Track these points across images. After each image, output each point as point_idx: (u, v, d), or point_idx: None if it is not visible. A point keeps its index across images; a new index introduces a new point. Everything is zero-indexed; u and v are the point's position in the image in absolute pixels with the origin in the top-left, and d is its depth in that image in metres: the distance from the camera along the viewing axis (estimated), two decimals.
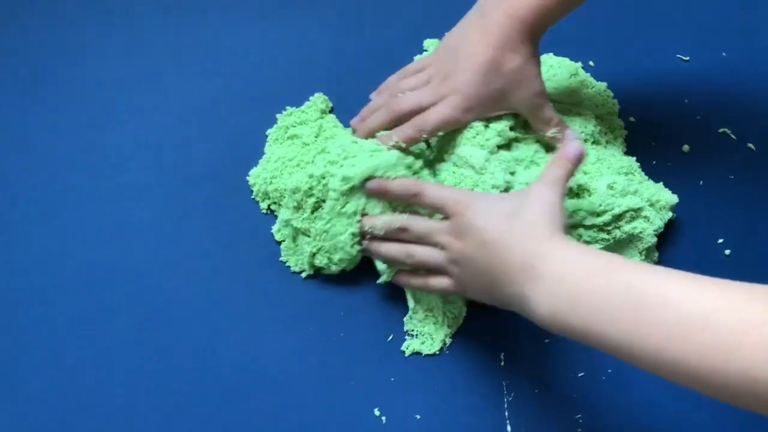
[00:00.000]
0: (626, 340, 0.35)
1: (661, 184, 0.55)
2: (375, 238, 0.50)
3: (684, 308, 0.34)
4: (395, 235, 0.49)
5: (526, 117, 0.53)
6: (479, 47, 0.50)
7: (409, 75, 0.56)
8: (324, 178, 0.50)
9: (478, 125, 0.52)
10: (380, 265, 0.51)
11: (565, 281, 0.39)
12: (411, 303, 0.51)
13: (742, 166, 0.58)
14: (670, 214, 0.53)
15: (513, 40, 0.50)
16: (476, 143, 0.52)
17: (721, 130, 0.59)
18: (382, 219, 0.50)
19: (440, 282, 0.48)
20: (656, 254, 0.54)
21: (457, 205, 0.46)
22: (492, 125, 0.52)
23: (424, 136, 0.51)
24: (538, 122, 0.53)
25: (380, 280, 0.51)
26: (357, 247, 0.51)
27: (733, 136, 0.59)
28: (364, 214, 0.50)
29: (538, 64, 0.52)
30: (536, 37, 0.51)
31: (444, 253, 0.47)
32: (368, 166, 0.49)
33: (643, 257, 0.53)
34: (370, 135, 0.53)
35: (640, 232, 0.52)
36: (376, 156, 0.50)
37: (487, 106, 0.52)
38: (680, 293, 0.34)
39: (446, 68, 0.52)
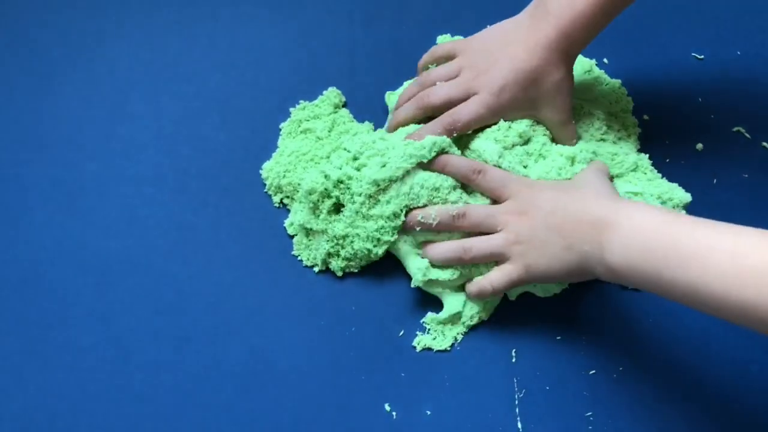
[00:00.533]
0: (694, 284, 0.39)
1: (675, 184, 0.55)
2: (424, 229, 0.50)
3: (752, 258, 0.37)
4: (449, 224, 0.50)
5: (550, 129, 0.54)
6: (523, 54, 0.51)
7: (439, 60, 0.56)
8: (342, 181, 0.50)
9: (502, 123, 0.52)
10: (416, 268, 0.50)
11: (639, 231, 0.42)
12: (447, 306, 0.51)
13: (756, 164, 0.57)
14: (683, 212, 0.53)
15: (558, 56, 0.51)
16: (491, 137, 0.52)
17: (735, 128, 0.59)
18: (435, 208, 0.50)
19: (504, 270, 0.48)
20: None
21: (520, 183, 0.50)
22: (514, 125, 0.53)
23: (454, 134, 0.52)
24: (561, 136, 0.54)
25: (414, 284, 0.50)
26: (382, 249, 0.51)
27: (747, 135, 0.59)
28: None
29: (572, 81, 0.53)
30: (575, 55, 0.53)
31: (503, 236, 0.48)
32: (399, 167, 0.50)
33: None
34: (400, 127, 0.54)
35: None
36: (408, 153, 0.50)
37: (516, 112, 0.53)
38: (748, 243, 0.38)
39: (481, 65, 0.52)
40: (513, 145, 0.53)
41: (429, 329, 0.51)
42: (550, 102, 0.52)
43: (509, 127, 0.52)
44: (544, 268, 0.47)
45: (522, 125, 0.53)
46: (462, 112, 0.52)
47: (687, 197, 0.53)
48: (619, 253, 0.43)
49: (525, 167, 0.52)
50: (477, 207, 0.50)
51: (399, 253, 0.52)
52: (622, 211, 0.44)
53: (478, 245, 0.49)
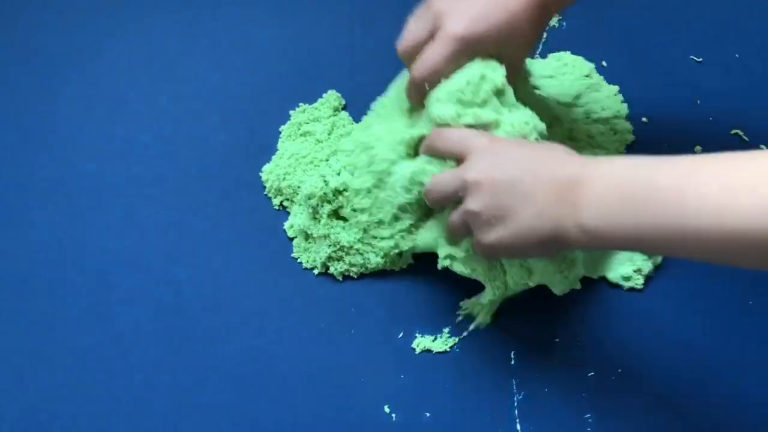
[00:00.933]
0: (679, 224, 0.36)
1: None
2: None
3: (741, 175, 0.35)
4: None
5: (508, 65, 0.48)
6: None
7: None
8: (340, 191, 0.51)
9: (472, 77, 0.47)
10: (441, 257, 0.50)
11: (614, 181, 0.39)
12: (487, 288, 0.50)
13: None
14: None
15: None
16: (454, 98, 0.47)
17: (733, 131, 0.59)
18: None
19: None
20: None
21: (480, 141, 0.44)
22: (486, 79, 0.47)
23: (426, 86, 0.47)
24: (516, 74, 0.49)
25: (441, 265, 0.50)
26: (394, 259, 0.52)
27: (745, 138, 0.59)
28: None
29: (541, 27, 0.49)
30: (549, 12, 0.48)
31: (461, 209, 0.44)
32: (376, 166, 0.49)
33: (648, 256, 0.53)
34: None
35: None
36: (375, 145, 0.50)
37: (481, 46, 0.47)
38: (732, 164, 0.36)
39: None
40: (484, 101, 0.47)
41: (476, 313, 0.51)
42: (513, 35, 0.46)
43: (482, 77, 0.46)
44: (510, 240, 0.42)
45: (497, 75, 0.47)
46: (425, 58, 0.46)
47: None
48: (596, 209, 0.39)
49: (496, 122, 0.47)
50: (439, 177, 0.46)
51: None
52: (594, 166, 0.40)
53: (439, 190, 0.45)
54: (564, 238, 0.41)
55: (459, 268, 0.49)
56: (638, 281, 0.52)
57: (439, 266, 0.49)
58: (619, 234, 0.39)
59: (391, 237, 0.51)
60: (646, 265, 0.53)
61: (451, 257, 0.49)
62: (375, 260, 0.52)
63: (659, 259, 0.53)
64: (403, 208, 0.50)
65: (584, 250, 0.49)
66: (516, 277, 0.48)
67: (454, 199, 0.45)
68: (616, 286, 0.53)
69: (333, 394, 0.49)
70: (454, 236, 0.48)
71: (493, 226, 0.42)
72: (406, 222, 0.51)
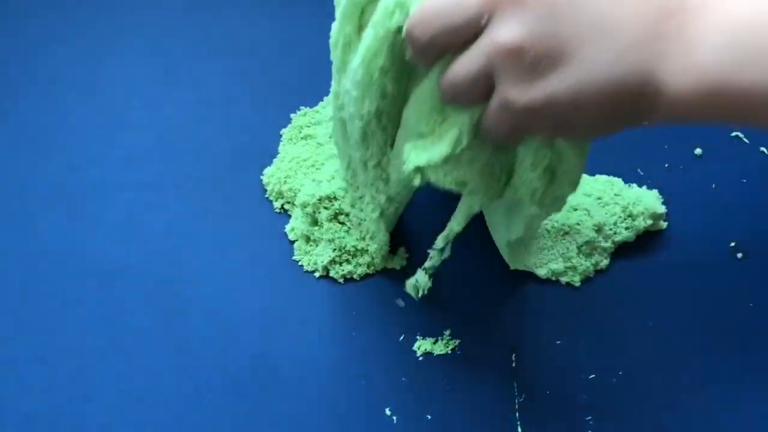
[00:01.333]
0: None
1: (654, 191, 0.55)
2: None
3: None
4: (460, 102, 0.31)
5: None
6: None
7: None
8: (331, 198, 0.51)
9: None
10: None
11: (737, 10, 0.26)
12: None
13: (754, 169, 0.58)
14: (649, 222, 0.53)
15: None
16: None
17: (733, 134, 0.59)
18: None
19: (495, 103, 0.29)
20: (605, 261, 0.53)
21: None
22: None
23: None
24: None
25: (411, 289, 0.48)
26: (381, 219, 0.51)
27: (745, 140, 0.59)
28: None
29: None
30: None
31: (489, 41, 0.27)
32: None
33: (583, 255, 0.52)
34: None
35: (578, 224, 0.52)
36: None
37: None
38: None
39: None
40: None
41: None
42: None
43: None
44: (569, 95, 0.27)
45: None
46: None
47: (659, 208, 0.53)
48: (714, 49, 0.26)
49: None
50: (458, 61, 0.29)
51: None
52: None
53: (456, 69, 0.29)
54: (655, 93, 0.27)
55: (437, 176, 0.34)
56: (574, 279, 0.52)
57: (405, 173, 0.35)
58: (737, 86, 0.26)
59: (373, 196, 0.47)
60: (582, 264, 0.52)
61: (426, 161, 0.33)
62: (373, 228, 0.50)
63: (604, 261, 0.53)
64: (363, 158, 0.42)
65: (667, 121, 0.31)
66: (531, 177, 0.34)
67: (487, 80, 0.29)
68: (547, 282, 0.53)
69: (334, 397, 0.49)
70: (497, 131, 0.30)
71: (540, 73, 0.27)
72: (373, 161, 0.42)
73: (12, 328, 0.51)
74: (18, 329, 0.51)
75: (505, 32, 0.26)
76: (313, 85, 0.61)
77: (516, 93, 0.28)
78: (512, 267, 0.52)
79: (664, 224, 0.54)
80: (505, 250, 0.51)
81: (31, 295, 0.53)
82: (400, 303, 0.52)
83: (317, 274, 0.53)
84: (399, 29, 0.31)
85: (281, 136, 0.58)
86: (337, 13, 0.36)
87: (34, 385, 0.49)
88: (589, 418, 0.48)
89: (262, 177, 0.57)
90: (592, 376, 0.50)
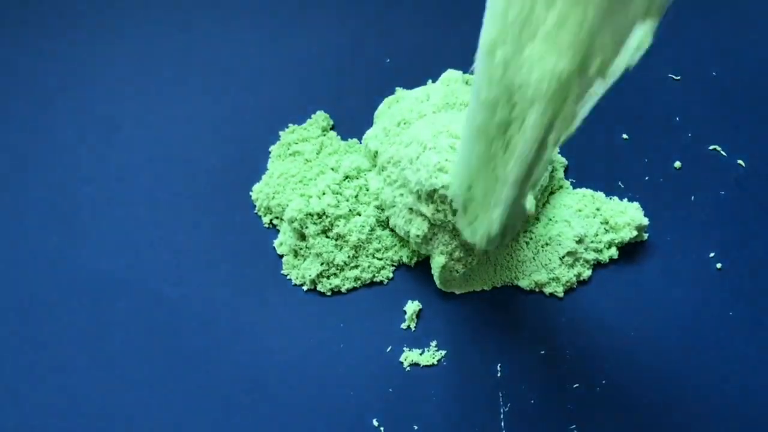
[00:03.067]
0: None
1: (636, 204, 0.56)
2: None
3: None
4: None
5: None
6: None
7: None
8: (321, 215, 0.52)
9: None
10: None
11: None
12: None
13: (732, 182, 0.59)
14: (633, 233, 0.54)
15: None
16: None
17: (711, 147, 0.60)
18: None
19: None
20: (587, 272, 0.54)
21: None
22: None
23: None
24: None
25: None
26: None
27: (723, 153, 0.60)
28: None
29: None
30: None
31: None
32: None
33: (566, 266, 0.53)
34: None
35: (559, 235, 0.53)
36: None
37: None
38: None
39: None
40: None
41: None
42: None
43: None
44: None
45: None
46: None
47: (641, 220, 0.54)
48: None
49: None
50: None
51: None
52: None
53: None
54: None
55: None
56: (558, 289, 0.53)
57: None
58: None
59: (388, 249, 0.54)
60: (564, 275, 0.53)
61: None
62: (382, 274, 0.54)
63: (587, 272, 0.54)
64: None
65: None
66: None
67: None
68: (531, 293, 0.54)
69: (322, 408, 0.50)
70: None
71: None
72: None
73: (1, 343, 0.52)
74: (8, 344, 0.52)
75: None
76: (300, 102, 0.62)
77: None
78: (442, 288, 0.53)
79: (645, 235, 0.55)
80: (437, 272, 0.52)
81: (22, 310, 0.53)
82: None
83: (305, 288, 0.54)
84: None
85: (270, 152, 0.59)
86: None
87: (23, 399, 0.50)
88: (573, 426, 0.49)
89: (251, 193, 0.58)
90: (576, 385, 0.51)
